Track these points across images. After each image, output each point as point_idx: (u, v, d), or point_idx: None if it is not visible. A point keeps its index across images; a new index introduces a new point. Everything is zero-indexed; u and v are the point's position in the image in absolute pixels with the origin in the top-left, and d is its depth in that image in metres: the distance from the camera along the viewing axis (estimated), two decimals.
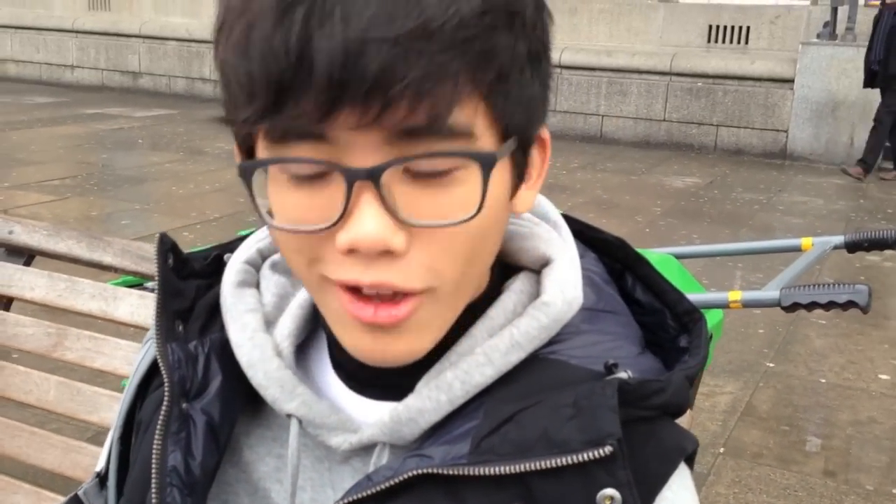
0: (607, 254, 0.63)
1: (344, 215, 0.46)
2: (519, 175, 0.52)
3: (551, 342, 0.55)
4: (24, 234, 1.41)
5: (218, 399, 0.59)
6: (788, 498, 2.66)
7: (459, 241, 0.48)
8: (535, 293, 0.57)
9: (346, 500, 0.52)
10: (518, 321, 0.55)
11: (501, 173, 0.50)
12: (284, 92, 0.44)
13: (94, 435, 2.31)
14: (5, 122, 8.83)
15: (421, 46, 0.43)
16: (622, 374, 0.52)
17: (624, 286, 0.62)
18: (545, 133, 0.55)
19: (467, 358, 0.54)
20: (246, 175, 0.49)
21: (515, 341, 0.54)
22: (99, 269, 1.34)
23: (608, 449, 0.49)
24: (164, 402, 0.58)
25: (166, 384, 0.58)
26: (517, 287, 0.57)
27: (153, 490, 0.57)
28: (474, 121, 0.46)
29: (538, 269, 0.58)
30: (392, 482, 0.51)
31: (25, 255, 1.42)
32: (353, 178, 0.45)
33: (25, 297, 1.39)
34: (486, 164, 0.47)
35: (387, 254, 0.47)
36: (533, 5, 0.49)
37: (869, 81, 7.26)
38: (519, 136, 0.50)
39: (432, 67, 0.43)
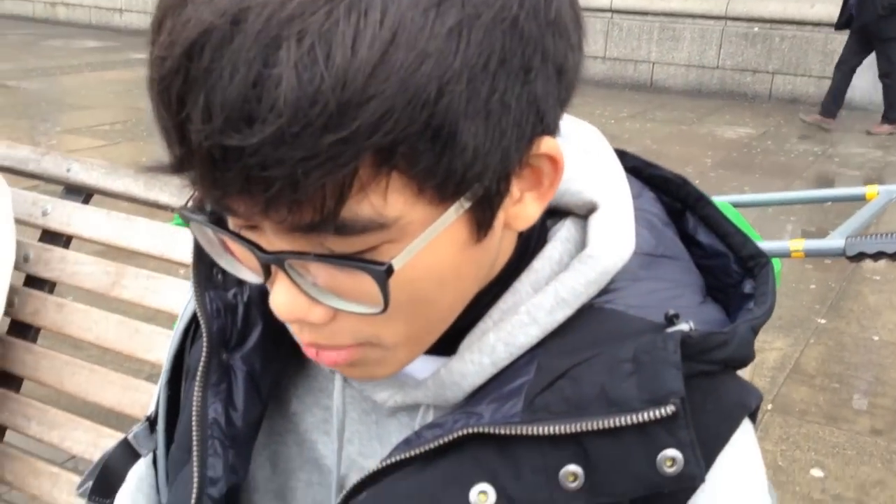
0: (666, 192, 0.59)
1: (267, 282, 0.45)
2: (489, 214, 0.45)
3: (606, 291, 0.52)
4: (83, 172, 1.42)
5: (259, 349, 0.58)
6: (837, 456, 2.63)
7: (385, 315, 0.44)
8: (583, 241, 0.54)
9: (394, 458, 0.50)
10: (563, 276, 0.51)
11: (448, 233, 0.44)
12: (182, 164, 0.40)
13: (149, 375, 2.36)
14: (56, 66, 8.94)
15: (282, 154, 0.37)
16: (683, 326, 0.49)
17: (684, 227, 0.58)
18: (548, 147, 0.45)
19: (511, 318, 0.51)
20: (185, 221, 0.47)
21: (561, 298, 0.51)
22: (155, 208, 1.34)
23: (670, 408, 0.46)
24: (203, 354, 0.57)
25: (205, 335, 0.57)
26: (563, 235, 0.54)
27: (195, 443, 0.56)
28: (384, 207, 0.40)
29: (584, 214, 0.55)
30: (441, 441, 0.49)
31: (83, 194, 1.43)
32: (262, 258, 0.43)
33: (84, 236, 1.40)
34: (378, 277, 0.42)
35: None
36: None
37: (844, 24, 6.93)
38: (483, 182, 0.43)
39: (298, 174, 0.37)
